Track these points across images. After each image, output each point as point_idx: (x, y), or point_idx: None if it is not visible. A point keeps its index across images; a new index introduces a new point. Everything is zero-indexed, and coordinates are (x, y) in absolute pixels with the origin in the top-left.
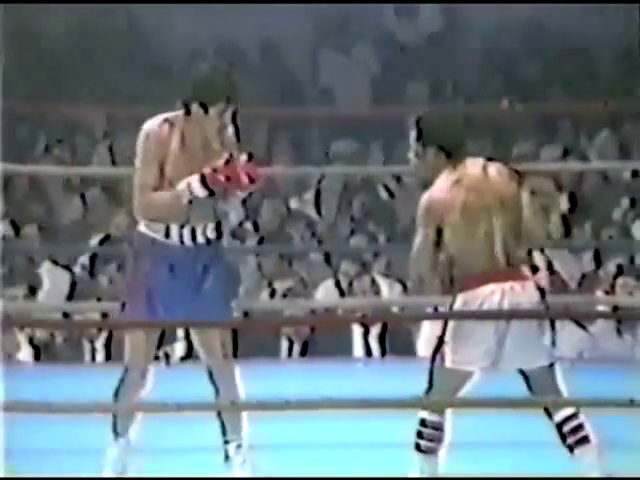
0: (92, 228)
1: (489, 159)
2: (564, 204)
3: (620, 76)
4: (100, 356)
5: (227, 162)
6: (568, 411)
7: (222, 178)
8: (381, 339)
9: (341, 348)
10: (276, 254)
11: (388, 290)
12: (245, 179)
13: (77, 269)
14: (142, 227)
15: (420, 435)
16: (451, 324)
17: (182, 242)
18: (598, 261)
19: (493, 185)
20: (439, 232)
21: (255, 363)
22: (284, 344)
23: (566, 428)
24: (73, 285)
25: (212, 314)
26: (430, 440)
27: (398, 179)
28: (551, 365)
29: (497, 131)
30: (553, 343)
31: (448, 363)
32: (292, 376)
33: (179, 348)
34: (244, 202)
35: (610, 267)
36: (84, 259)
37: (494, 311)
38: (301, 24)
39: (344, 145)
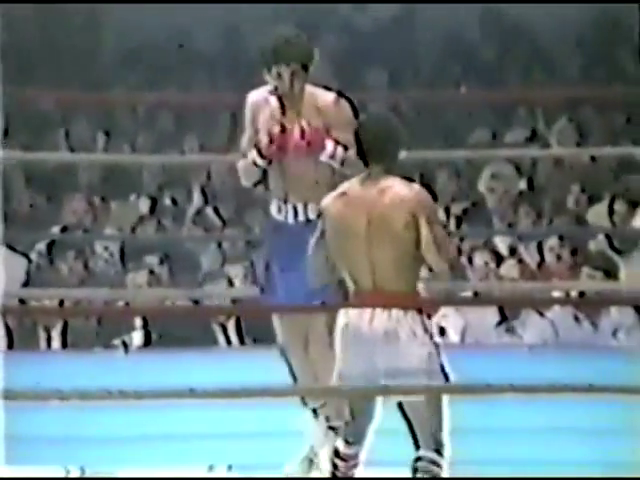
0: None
1: (411, 180)
2: (523, 188)
3: (577, 62)
4: (56, 343)
5: (282, 130)
6: None
7: (271, 146)
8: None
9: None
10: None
11: None
12: (300, 144)
13: (34, 256)
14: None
15: (335, 467)
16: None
17: (286, 218)
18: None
19: (379, 209)
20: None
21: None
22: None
23: None
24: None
25: (304, 298)
26: (344, 472)
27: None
28: None
29: (454, 118)
30: None
31: None
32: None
33: (137, 337)
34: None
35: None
36: (41, 246)
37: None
38: (261, 11)
39: None
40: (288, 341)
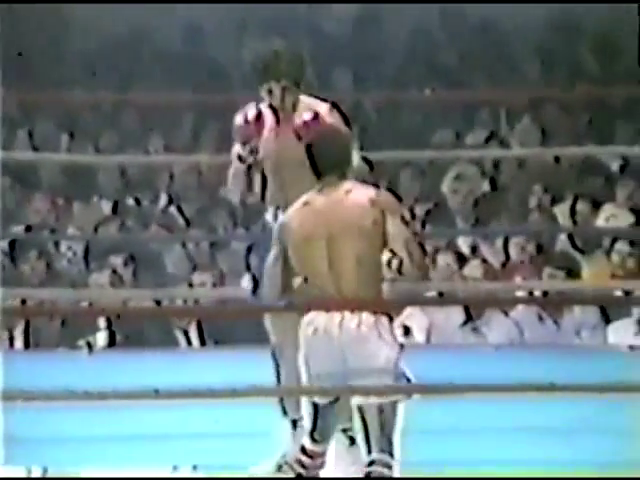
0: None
1: (374, 185)
2: (485, 189)
3: (540, 62)
4: (19, 343)
5: (258, 115)
6: None
7: (247, 126)
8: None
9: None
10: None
11: None
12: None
13: None
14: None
15: (302, 464)
16: None
17: None
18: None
19: (345, 209)
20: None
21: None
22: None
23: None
24: None
25: None
26: (311, 469)
27: None
28: None
29: (417, 119)
30: None
31: None
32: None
33: (101, 337)
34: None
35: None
36: (4, 245)
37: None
38: (226, 11)
39: None
40: (281, 342)
